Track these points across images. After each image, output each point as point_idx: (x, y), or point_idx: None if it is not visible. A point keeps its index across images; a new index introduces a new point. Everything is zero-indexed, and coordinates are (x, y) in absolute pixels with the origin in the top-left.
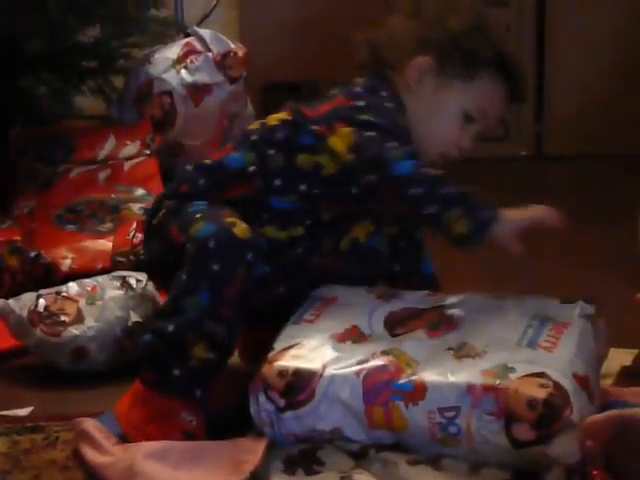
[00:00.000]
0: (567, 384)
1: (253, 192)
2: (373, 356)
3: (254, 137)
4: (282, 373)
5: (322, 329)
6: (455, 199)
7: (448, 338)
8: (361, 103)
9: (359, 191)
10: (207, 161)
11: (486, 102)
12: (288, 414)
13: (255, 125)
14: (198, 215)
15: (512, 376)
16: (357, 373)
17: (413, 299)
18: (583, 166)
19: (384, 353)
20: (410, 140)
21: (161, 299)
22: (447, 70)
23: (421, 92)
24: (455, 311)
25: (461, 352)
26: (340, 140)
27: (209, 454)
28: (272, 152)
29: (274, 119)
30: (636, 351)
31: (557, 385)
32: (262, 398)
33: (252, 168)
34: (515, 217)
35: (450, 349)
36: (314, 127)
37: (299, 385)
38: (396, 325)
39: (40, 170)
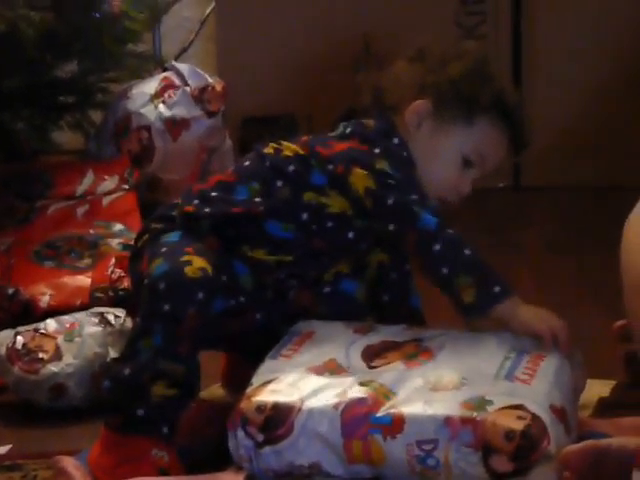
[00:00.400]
0: (544, 416)
1: (253, 213)
2: (351, 388)
3: (267, 162)
4: (260, 408)
5: (300, 363)
6: (471, 266)
7: (425, 369)
8: (377, 150)
9: (362, 234)
10: (206, 187)
11: (485, 147)
12: (267, 449)
13: (269, 149)
14: (163, 250)
15: (489, 408)
16: (335, 406)
17: (391, 332)
18: (561, 197)
19: (362, 384)
20: (424, 193)
21: None
22: (445, 114)
23: (420, 136)
24: (433, 343)
25: (439, 384)
26: (359, 181)
27: None
28: (280, 184)
29: (289, 149)
30: (613, 382)
31: (534, 417)
32: (240, 434)
33: (257, 199)
34: (529, 315)
35: (428, 381)
36: (330, 167)
37: (277, 420)
38: (373, 357)
39: (18, 206)
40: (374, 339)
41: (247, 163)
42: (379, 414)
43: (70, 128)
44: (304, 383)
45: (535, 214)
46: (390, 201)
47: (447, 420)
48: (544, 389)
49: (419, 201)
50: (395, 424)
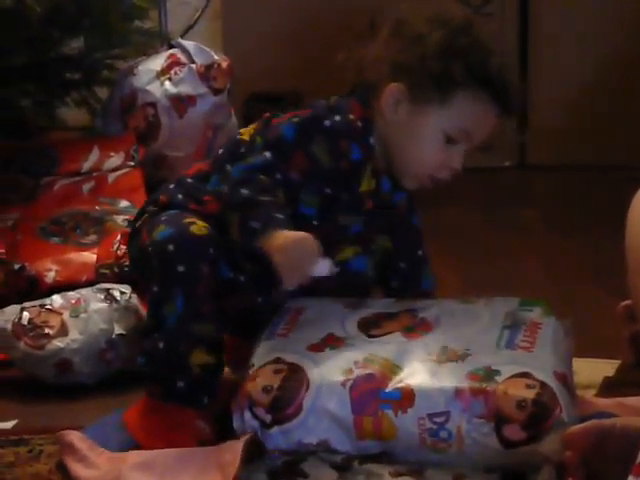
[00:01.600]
0: (551, 382)
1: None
2: (356, 365)
3: (242, 149)
4: (267, 388)
5: (297, 340)
6: (240, 204)
7: (427, 341)
8: (304, 115)
9: None
10: (186, 175)
11: (467, 122)
12: (274, 430)
13: (244, 136)
14: (163, 218)
15: (498, 378)
16: (343, 384)
17: (381, 305)
18: (567, 177)
19: (367, 361)
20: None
21: (144, 311)
22: (420, 95)
23: (398, 119)
24: (428, 314)
25: (442, 356)
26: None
27: (195, 461)
28: (229, 167)
29: (244, 132)
30: (618, 362)
31: (543, 384)
32: (247, 415)
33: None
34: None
35: (431, 352)
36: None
37: (285, 399)
38: (370, 327)
39: (24, 182)
40: (367, 312)
41: (221, 151)
42: (388, 389)
43: (76, 105)
44: (307, 362)
45: (540, 193)
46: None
47: (457, 392)
48: (546, 356)
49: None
50: (405, 398)
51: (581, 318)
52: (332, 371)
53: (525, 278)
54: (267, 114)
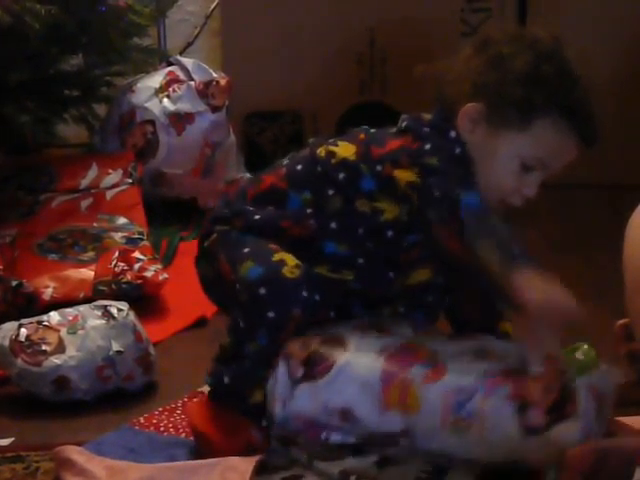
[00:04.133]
0: (579, 382)
1: (307, 234)
2: (397, 343)
3: (319, 168)
4: (306, 344)
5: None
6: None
7: (469, 344)
8: (427, 146)
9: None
10: (260, 192)
11: (545, 151)
12: (303, 387)
13: (321, 151)
14: (246, 250)
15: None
16: (380, 352)
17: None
18: (566, 195)
19: (409, 342)
20: (475, 187)
21: (142, 328)
22: (498, 118)
23: (475, 140)
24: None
25: (480, 355)
26: (402, 177)
27: (197, 476)
28: (331, 192)
29: (342, 151)
30: None
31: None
32: (282, 369)
33: (309, 210)
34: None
35: (471, 353)
36: (379, 168)
37: (320, 357)
38: None
39: (22, 199)
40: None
41: (299, 167)
42: (421, 363)
43: (75, 121)
44: (351, 335)
45: (539, 211)
46: (437, 193)
47: (487, 372)
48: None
49: (464, 188)
50: (436, 371)
51: (580, 336)
52: (372, 342)
53: None
54: (361, 135)
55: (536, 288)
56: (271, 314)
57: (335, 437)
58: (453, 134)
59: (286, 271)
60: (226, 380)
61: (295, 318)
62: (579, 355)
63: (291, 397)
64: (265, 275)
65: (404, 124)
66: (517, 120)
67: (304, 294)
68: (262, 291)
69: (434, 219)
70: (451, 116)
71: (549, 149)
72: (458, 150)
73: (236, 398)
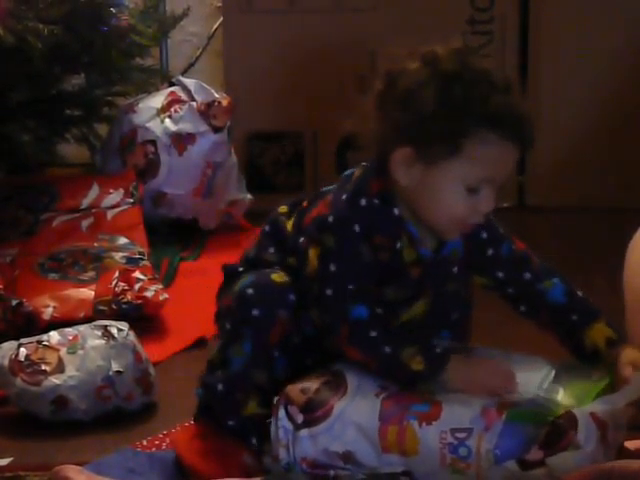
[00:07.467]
0: (578, 413)
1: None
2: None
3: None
4: (304, 390)
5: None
6: (410, 339)
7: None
8: (331, 219)
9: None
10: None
11: (483, 169)
12: (304, 432)
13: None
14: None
15: None
16: (377, 394)
17: None
18: (565, 218)
19: None
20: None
21: (142, 348)
22: (430, 154)
23: (413, 181)
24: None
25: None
26: (312, 261)
27: None
28: (272, 250)
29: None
30: None
31: (568, 412)
32: (282, 413)
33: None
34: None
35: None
36: (301, 240)
37: (319, 402)
38: None
39: (23, 218)
40: None
41: (267, 228)
42: (419, 404)
43: (76, 141)
44: (351, 372)
45: (539, 234)
46: (329, 292)
47: (484, 410)
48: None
49: (354, 292)
50: (432, 411)
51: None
52: (371, 382)
53: (521, 321)
54: (304, 204)
55: (460, 379)
56: (255, 312)
57: (343, 473)
58: (363, 202)
59: (275, 276)
60: (220, 387)
61: (281, 321)
62: (591, 382)
63: (294, 441)
64: (255, 279)
65: (334, 185)
66: (447, 150)
67: (291, 297)
68: (249, 291)
69: (325, 320)
70: (384, 164)
71: (488, 165)
72: (357, 228)
73: (229, 407)
